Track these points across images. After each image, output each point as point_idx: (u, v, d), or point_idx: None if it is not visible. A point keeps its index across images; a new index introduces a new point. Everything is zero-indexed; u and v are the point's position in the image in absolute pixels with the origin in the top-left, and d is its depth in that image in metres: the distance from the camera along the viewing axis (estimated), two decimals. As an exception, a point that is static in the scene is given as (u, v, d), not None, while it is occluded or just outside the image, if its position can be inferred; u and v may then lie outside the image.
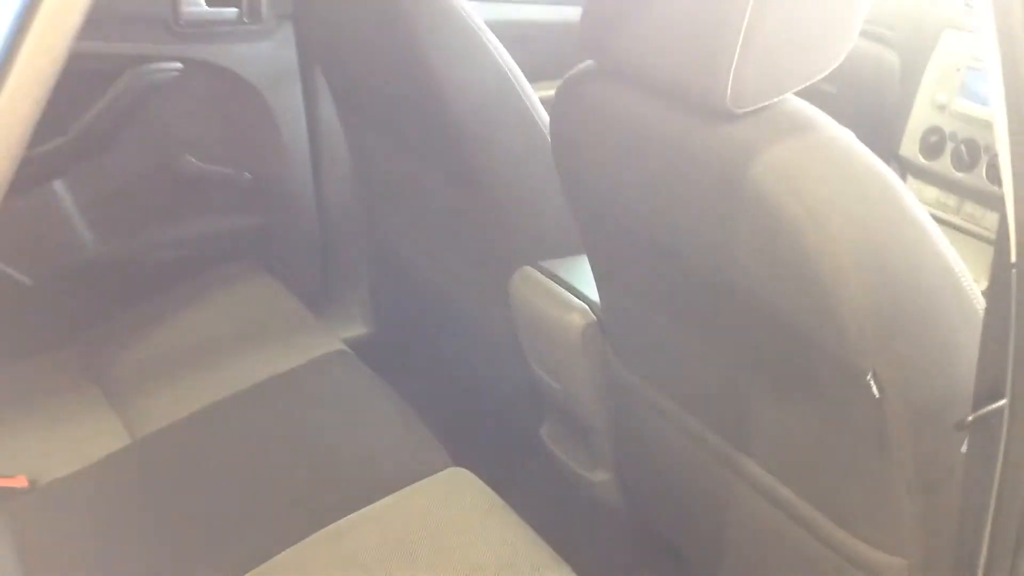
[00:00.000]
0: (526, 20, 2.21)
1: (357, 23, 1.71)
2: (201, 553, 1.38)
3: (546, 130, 1.48)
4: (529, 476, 1.66)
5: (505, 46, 1.62)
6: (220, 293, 1.92)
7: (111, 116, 1.94)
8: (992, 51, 0.89)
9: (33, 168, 1.91)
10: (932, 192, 1.88)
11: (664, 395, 1.43)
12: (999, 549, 1.01)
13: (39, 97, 0.70)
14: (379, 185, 2.05)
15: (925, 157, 1.84)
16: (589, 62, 1.26)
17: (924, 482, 1.12)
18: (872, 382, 1.05)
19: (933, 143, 1.83)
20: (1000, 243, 0.94)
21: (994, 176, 1.70)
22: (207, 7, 1.95)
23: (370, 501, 1.42)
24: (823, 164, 1.03)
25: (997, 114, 0.91)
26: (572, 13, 2.13)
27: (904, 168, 1.91)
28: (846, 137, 1.06)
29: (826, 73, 1.07)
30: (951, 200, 1.85)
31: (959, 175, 1.78)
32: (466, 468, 1.51)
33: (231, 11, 1.98)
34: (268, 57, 2.04)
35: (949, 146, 1.80)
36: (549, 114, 1.37)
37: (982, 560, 1.04)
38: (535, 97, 1.62)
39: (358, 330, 2.19)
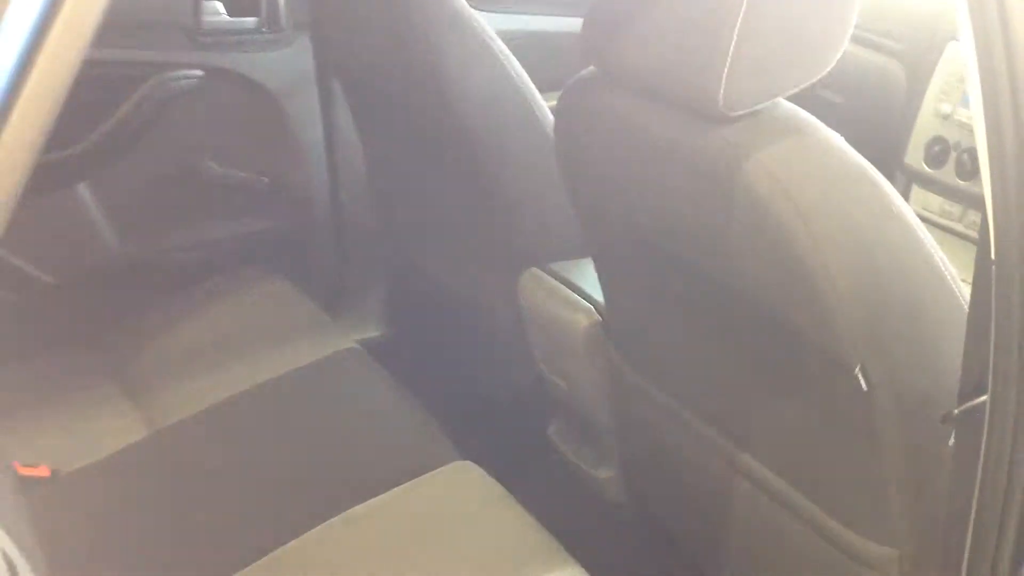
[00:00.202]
0: (536, 30, 2.23)
1: (372, 33, 1.75)
2: (216, 539, 1.41)
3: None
4: (536, 472, 1.68)
5: (516, 55, 1.65)
6: (237, 294, 1.94)
7: (134, 121, 1.98)
8: (970, 57, 0.93)
9: (58, 171, 1.94)
10: (936, 200, 1.90)
11: (667, 393, 1.46)
12: (982, 539, 1.04)
13: (56, 100, 0.71)
14: (393, 189, 2.08)
15: (929, 166, 1.86)
16: (591, 68, 1.30)
17: (913, 474, 1.14)
18: (860, 376, 1.08)
19: (937, 152, 1.84)
20: (981, 241, 0.97)
21: (994, 184, 1.72)
22: (228, 17, 2.00)
23: (380, 492, 1.45)
24: (813, 165, 1.07)
25: (976, 119, 0.94)
26: (580, 24, 2.16)
27: (909, 177, 1.93)
28: (835, 140, 1.09)
29: (816, 79, 1.10)
30: (955, 208, 1.87)
31: (962, 183, 1.80)
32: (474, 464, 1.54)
33: (251, 21, 2.02)
34: (286, 65, 2.08)
35: (952, 155, 1.81)
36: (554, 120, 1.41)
37: (967, 550, 1.07)
38: (543, 104, 1.65)
39: (372, 332, 2.21)
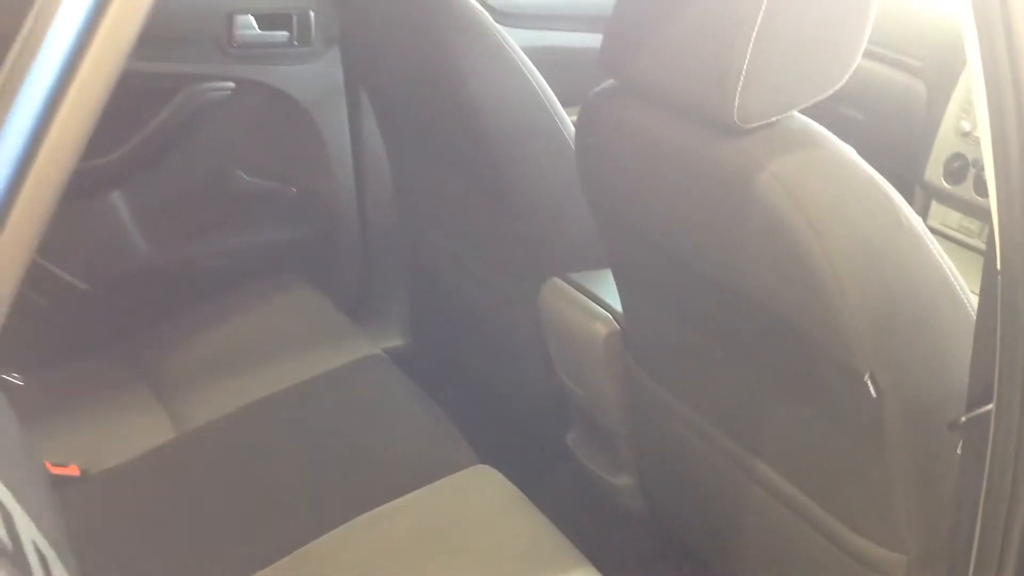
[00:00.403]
0: (559, 46, 2.26)
1: (400, 47, 1.78)
2: (241, 537, 1.44)
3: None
4: (553, 479, 1.70)
5: (540, 70, 1.67)
6: (264, 301, 1.97)
7: (167, 131, 2.02)
8: (976, 72, 0.95)
9: (93, 178, 1.98)
10: (955, 216, 1.91)
11: (683, 401, 1.48)
12: (987, 545, 1.06)
13: (96, 108, 0.74)
14: (418, 200, 2.10)
15: (949, 182, 1.87)
16: (610, 82, 1.32)
17: (921, 481, 1.16)
18: (869, 383, 1.10)
19: (956, 169, 1.86)
20: (988, 251, 0.99)
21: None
22: (259, 31, 2.03)
23: (400, 494, 1.47)
24: (825, 177, 1.09)
25: (982, 132, 0.96)
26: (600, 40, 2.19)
27: (929, 192, 1.95)
28: (847, 153, 1.11)
29: (830, 92, 1.12)
30: (973, 224, 1.88)
31: (980, 200, 1.81)
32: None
33: (282, 35, 2.05)
34: (316, 78, 2.10)
35: (971, 172, 1.83)
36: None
37: (972, 557, 1.08)
38: (566, 118, 1.67)
39: (396, 341, 2.23)
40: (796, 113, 1.14)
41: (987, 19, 0.92)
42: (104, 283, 2.06)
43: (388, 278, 2.29)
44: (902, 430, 1.12)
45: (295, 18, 2.05)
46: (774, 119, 1.11)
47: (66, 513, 1.39)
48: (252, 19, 2.02)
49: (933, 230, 1.93)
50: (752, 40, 1.05)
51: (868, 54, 1.97)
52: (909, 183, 1.95)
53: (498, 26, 1.67)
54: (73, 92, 0.72)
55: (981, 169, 1.80)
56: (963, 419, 1.05)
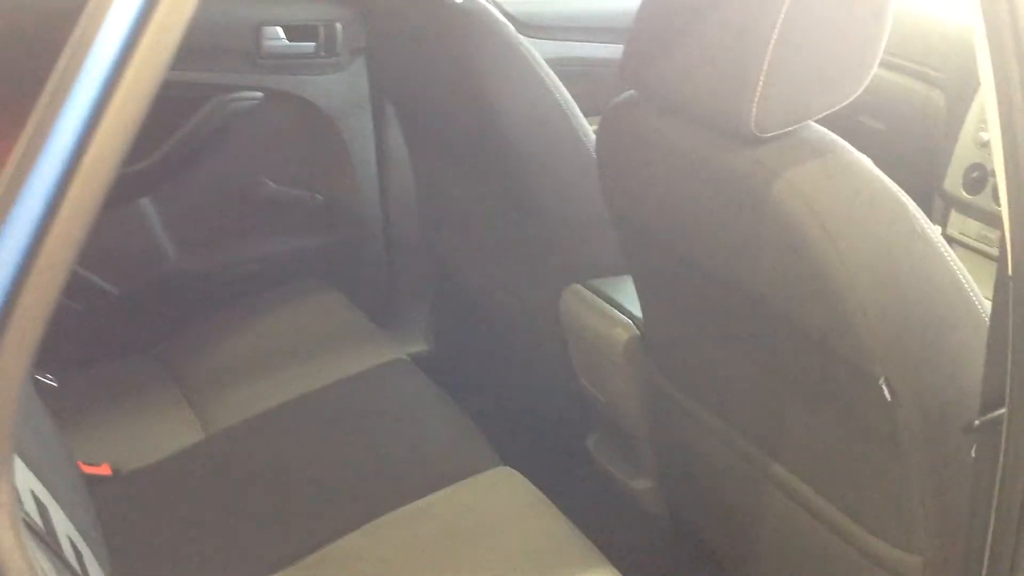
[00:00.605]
0: (581, 57, 2.28)
1: (425, 58, 1.81)
2: (265, 536, 1.47)
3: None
4: (574, 482, 1.71)
5: (562, 80, 1.69)
6: (291, 305, 2.00)
7: (196, 139, 2.06)
8: (987, 79, 0.97)
9: (125, 185, 2.01)
10: (974, 225, 1.92)
11: (703, 406, 1.49)
12: (1000, 548, 1.07)
13: (138, 117, 0.75)
14: (442, 208, 2.12)
15: (967, 192, 1.88)
16: (630, 92, 1.35)
17: (936, 483, 1.17)
18: (885, 387, 1.11)
19: (975, 178, 1.86)
20: (1000, 257, 1.01)
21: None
22: (287, 42, 2.06)
23: (424, 494, 1.50)
24: (840, 186, 1.10)
25: (993, 140, 0.98)
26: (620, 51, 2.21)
27: (948, 202, 1.95)
28: (863, 161, 1.13)
29: (845, 103, 1.14)
30: (992, 233, 1.88)
31: (999, 210, 1.82)
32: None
33: (309, 46, 2.08)
34: (342, 88, 2.14)
35: (990, 181, 1.83)
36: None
37: (986, 558, 1.10)
38: (588, 128, 1.69)
39: (419, 346, 2.25)
40: (812, 123, 1.16)
41: (997, 28, 0.94)
42: (134, 288, 2.09)
43: (412, 284, 2.31)
44: (917, 433, 1.14)
45: (322, 29, 2.09)
46: (791, 129, 1.13)
47: (98, 510, 1.43)
48: (280, 30, 2.06)
49: (952, 239, 1.94)
50: (770, 51, 1.08)
51: (887, 64, 1.99)
52: (928, 192, 1.96)
53: (521, 37, 1.69)
54: (118, 100, 0.75)
55: (1000, 179, 1.81)
56: (977, 423, 1.07)
